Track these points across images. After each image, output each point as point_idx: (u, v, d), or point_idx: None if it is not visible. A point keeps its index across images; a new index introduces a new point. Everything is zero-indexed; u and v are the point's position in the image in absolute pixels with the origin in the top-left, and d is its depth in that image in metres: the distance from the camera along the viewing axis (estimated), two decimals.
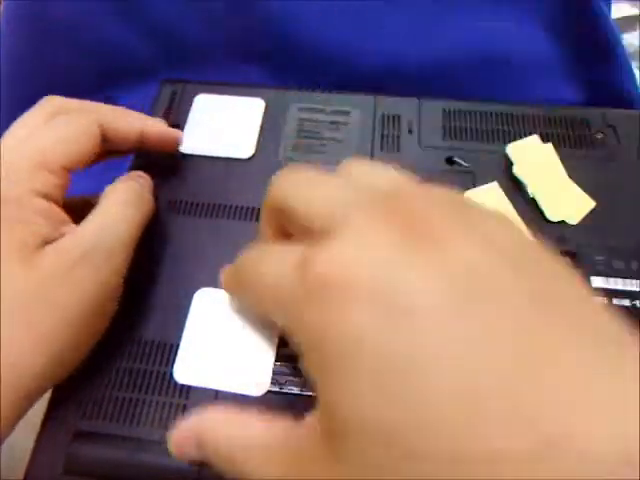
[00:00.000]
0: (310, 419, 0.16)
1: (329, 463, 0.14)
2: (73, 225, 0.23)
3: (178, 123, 0.30)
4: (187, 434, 0.19)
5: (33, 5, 0.35)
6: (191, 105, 0.31)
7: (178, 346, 0.23)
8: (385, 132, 0.30)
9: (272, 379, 0.22)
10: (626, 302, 0.24)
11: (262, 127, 0.30)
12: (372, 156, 0.29)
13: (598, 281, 0.25)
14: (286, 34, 0.36)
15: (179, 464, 0.21)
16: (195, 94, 0.32)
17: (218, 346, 0.23)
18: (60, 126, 0.24)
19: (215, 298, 0.24)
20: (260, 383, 0.22)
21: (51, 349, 0.20)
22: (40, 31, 0.35)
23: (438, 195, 0.16)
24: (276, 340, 0.23)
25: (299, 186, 0.19)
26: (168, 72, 0.37)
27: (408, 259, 0.14)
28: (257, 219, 0.27)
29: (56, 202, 0.23)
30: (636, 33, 0.42)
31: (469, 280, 0.14)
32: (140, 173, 0.27)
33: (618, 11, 0.42)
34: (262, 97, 0.31)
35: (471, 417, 0.12)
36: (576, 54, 0.35)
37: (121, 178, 0.26)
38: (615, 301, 0.24)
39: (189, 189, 0.28)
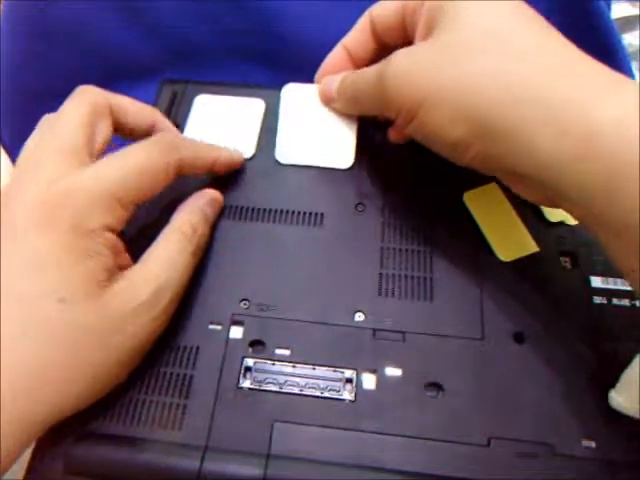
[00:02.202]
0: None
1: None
2: (127, 256, 0.23)
3: (178, 123, 0.30)
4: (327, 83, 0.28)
5: (33, 5, 0.35)
6: (191, 105, 0.31)
7: (178, 347, 0.23)
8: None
9: (272, 379, 0.23)
10: (626, 302, 0.24)
11: (262, 127, 0.30)
12: (372, 155, 0.29)
13: (598, 281, 0.25)
14: (286, 34, 0.36)
15: (179, 464, 0.21)
16: (195, 94, 0.32)
17: (309, 131, 0.29)
18: (143, 158, 0.23)
19: (302, 94, 0.30)
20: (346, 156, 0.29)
21: (84, 388, 0.20)
22: (40, 31, 0.35)
23: None
24: (356, 124, 0.29)
25: None
26: (169, 72, 0.37)
27: None
28: (257, 219, 0.27)
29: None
30: (636, 33, 0.42)
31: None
32: (213, 196, 0.26)
33: (618, 11, 0.42)
34: (262, 97, 0.31)
35: None
36: None
37: (194, 197, 0.26)
38: (615, 301, 0.24)
39: (189, 190, 0.28)
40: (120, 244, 0.23)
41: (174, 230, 0.24)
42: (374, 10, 0.27)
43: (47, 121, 0.24)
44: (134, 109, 0.26)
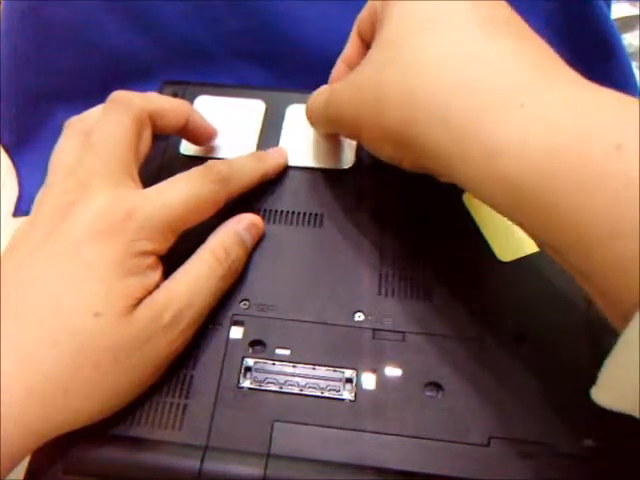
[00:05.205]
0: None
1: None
2: (161, 274, 0.23)
3: None
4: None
5: (33, 5, 0.35)
6: (192, 106, 0.31)
7: None
8: None
9: (272, 379, 0.23)
10: None
11: (262, 128, 0.30)
12: (372, 155, 0.29)
13: None
14: (286, 36, 0.36)
15: (179, 464, 0.21)
16: (196, 95, 0.32)
17: (310, 134, 0.30)
18: (200, 191, 0.23)
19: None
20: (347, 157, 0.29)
21: (98, 403, 0.20)
22: (40, 32, 0.35)
23: None
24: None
25: None
26: (169, 73, 0.37)
27: None
28: None
29: None
30: (636, 33, 0.42)
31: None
32: (253, 221, 0.26)
33: (618, 11, 0.42)
34: (262, 99, 0.31)
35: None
36: (576, 54, 0.35)
37: (233, 220, 0.25)
38: None
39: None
40: (160, 264, 0.23)
41: (206, 251, 0.24)
42: (357, 18, 0.27)
43: (81, 130, 0.24)
44: (169, 109, 0.26)
